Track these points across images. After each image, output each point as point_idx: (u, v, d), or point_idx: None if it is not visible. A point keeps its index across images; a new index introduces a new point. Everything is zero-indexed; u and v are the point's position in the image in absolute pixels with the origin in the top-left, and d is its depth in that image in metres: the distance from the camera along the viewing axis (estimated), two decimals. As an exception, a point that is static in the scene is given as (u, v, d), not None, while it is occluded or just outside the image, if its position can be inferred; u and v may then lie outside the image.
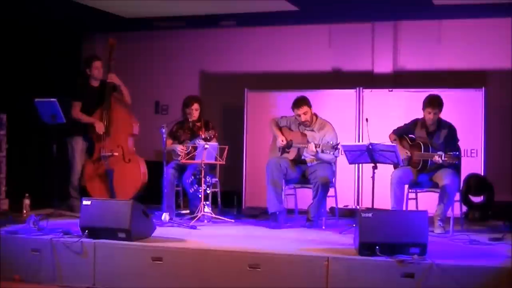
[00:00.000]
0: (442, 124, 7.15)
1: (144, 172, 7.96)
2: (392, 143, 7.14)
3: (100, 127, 7.90)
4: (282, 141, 7.54)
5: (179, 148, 7.86)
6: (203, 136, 7.70)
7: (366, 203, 8.35)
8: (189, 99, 8.08)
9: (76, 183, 8.10)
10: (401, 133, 7.34)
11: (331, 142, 7.09)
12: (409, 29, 9.46)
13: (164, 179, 7.56)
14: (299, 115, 7.46)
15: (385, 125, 8.04)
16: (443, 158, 6.69)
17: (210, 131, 7.76)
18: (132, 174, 7.91)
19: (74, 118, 7.98)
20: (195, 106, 8.00)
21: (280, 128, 7.69)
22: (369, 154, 6.73)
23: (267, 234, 6.87)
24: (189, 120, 8.03)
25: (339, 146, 7.05)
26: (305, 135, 7.48)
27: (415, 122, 7.28)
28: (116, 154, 7.90)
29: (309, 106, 7.48)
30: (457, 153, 6.74)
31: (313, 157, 7.37)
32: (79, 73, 8.24)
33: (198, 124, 8.04)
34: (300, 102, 7.47)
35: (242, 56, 10.17)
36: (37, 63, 9.60)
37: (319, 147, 7.21)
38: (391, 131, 7.43)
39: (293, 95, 7.89)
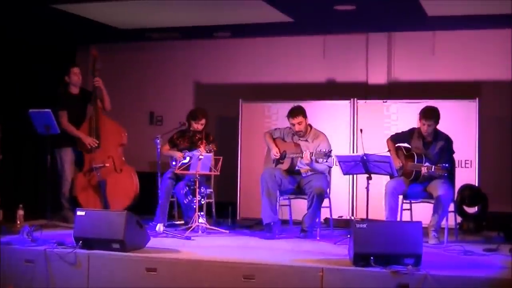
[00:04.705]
0: (439, 136, 7.16)
1: (136, 181, 7.96)
2: (387, 151, 7.18)
3: (90, 142, 7.91)
4: (276, 153, 7.54)
5: (178, 155, 7.84)
6: (204, 149, 7.67)
7: (360, 213, 8.34)
8: (198, 113, 8.05)
9: (68, 193, 8.09)
10: (398, 140, 7.35)
11: (324, 150, 7.10)
12: (403, 40, 9.49)
13: (160, 188, 7.58)
14: (294, 125, 7.45)
15: (379, 136, 8.08)
16: (432, 170, 6.71)
17: (210, 145, 7.75)
18: (125, 183, 7.91)
19: (63, 129, 7.98)
20: (202, 121, 8.00)
21: (274, 140, 7.69)
22: (364, 165, 6.74)
23: (262, 245, 6.86)
24: (191, 129, 8.03)
25: (331, 154, 7.07)
26: (299, 145, 7.48)
27: (412, 131, 7.29)
28: (107, 165, 7.90)
29: (305, 116, 7.48)
30: (446, 165, 6.74)
31: (307, 167, 7.37)
32: (59, 83, 8.23)
33: (199, 135, 8.04)
34: (296, 111, 7.47)
35: (236, 67, 10.19)
36: (31, 74, 9.59)
37: (312, 155, 7.21)
38: (389, 137, 7.45)
39: (287, 105, 7.91)
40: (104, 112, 8.16)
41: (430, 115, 7.08)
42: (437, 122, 7.10)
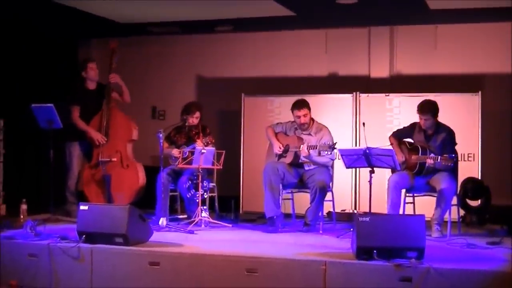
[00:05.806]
0: (440, 128, 7.15)
1: (142, 178, 7.92)
2: (389, 144, 7.18)
3: (99, 138, 7.87)
4: (280, 148, 7.54)
5: (174, 151, 7.87)
6: (201, 142, 7.67)
7: (363, 207, 8.34)
8: (192, 107, 8.05)
9: (73, 188, 8.08)
10: (400, 136, 7.35)
11: (329, 142, 7.10)
12: (406, 33, 9.47)
13: (157, 184, 7.56)
14: (299, 117, 7.45)
15: (381, 129, 8.08)
16: (438, 160, 6.71)
17: (207, 137, 7.75)
18: (129, 179, 7.87)
19: (73, 123, 7.96)
20: (197, 114, 8.00)
21: (276, 135, 7.69)
22: (366, 158, 6.74)
23: (265, 238, 6.87)
24: (186, 125, 8.03)
25: (335, 146, 7.07)
26: (302, 139, 7.48)
27: (413, 126, 7.29)
28: (114, 159, 7.86)
29: (309, 108, 7.49)
30: (453, 155, 6.75)
31: (307, 159, 7.37)
32: (75, 77, 8.22)
33: (195, 129, 8.04)
34: (301, 103, 7.48)
35: (238, 61, 10.17)
36: (33, 69, 9.58)
37: (315, 148, 7.21)
38: (391, 133, 7.46)
39: (290, 99, 7.90)
40: (118, 105, 8.12)
41: (426, 109, 7.06)
42: (434, 115, 7.07)
